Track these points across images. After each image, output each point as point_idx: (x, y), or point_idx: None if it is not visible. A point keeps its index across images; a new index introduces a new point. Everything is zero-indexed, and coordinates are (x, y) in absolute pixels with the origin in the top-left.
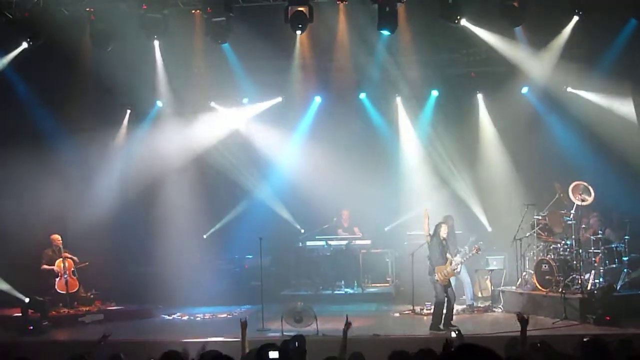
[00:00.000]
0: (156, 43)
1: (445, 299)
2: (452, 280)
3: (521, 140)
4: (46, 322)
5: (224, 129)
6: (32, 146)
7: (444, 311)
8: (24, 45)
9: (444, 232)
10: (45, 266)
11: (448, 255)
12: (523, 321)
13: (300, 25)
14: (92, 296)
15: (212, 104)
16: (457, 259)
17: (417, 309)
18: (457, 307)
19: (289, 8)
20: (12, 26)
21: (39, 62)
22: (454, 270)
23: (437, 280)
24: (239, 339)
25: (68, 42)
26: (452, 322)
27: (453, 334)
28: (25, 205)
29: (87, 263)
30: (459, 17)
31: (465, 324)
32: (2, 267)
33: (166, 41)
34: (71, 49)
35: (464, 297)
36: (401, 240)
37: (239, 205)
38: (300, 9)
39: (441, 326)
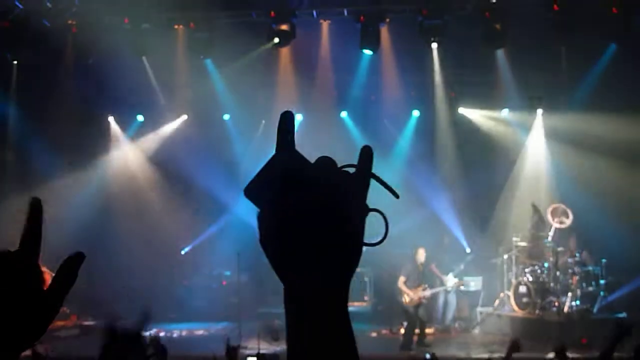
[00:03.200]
0: (144, 59)
1: (418, 320)
2: (441, 299)
3: (500, 160)
4: None
5: (204, 144)
6: (9, 156)
7: (416, 332)
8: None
9: (420, 256)
10: None
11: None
12: (514, 346)
13: (282, 41)
14: (68, 311)
15: (184, 117)
16: (450, 277)
17: (395, 329)
18: (435, 327)
19: (272, 26)
20: None
21: (19, 74)
22: (423, 297)
23: (404, 302)
24: (215, 355)
25: (49, 54)
26: (425, 342)
27: (427, 355)
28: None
29: None
30: (432, 39)
31: (441, 345)
32: None
33: (148, 56)
34: (52, 61)
35: (438, 315)
36: (380, 259)
37: (218, 221)
38: (283, 27)
39: (413, 346)
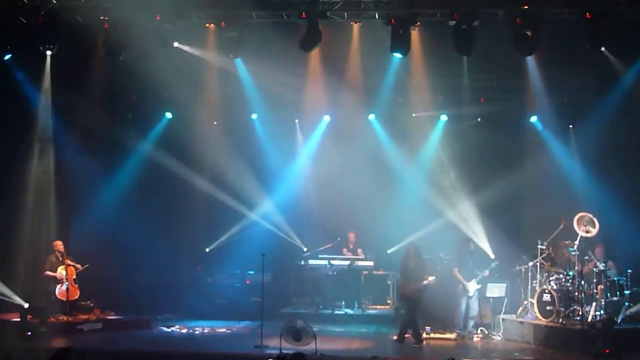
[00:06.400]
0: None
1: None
2: (464, 305)
3: (528, 167)
4: (44, 329)
5: (232, 143)
6: (38, 151)
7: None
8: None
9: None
10: (48, 272)
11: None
12: None
13: (309, 44)
14: (91, 304)
15: (215, 123)
16: (473, 283)
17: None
18: (457, 333)
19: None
20: (26, 31)
21: (53, 68)
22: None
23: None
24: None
25: (81, 50)
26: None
27: None
28: (27, 211)
29: (87, 266)
30: (469, 50)
31: (462, 352)
32: (2, 272)
33: (179, 52)
34: (83, 57)
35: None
36: None
37: (243, 220)
38: (311, 29)
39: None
